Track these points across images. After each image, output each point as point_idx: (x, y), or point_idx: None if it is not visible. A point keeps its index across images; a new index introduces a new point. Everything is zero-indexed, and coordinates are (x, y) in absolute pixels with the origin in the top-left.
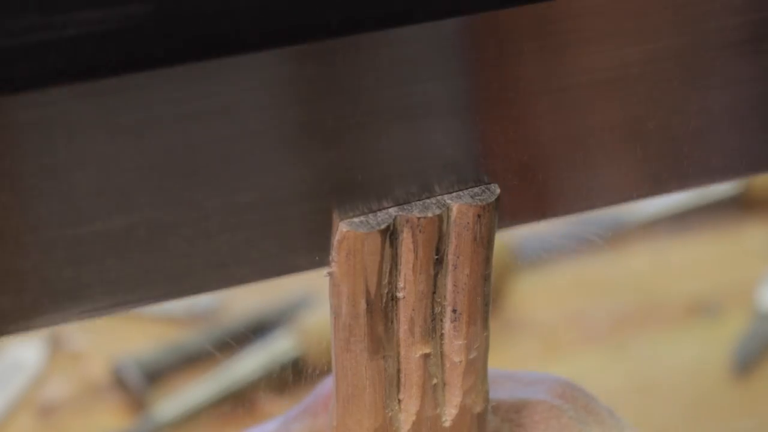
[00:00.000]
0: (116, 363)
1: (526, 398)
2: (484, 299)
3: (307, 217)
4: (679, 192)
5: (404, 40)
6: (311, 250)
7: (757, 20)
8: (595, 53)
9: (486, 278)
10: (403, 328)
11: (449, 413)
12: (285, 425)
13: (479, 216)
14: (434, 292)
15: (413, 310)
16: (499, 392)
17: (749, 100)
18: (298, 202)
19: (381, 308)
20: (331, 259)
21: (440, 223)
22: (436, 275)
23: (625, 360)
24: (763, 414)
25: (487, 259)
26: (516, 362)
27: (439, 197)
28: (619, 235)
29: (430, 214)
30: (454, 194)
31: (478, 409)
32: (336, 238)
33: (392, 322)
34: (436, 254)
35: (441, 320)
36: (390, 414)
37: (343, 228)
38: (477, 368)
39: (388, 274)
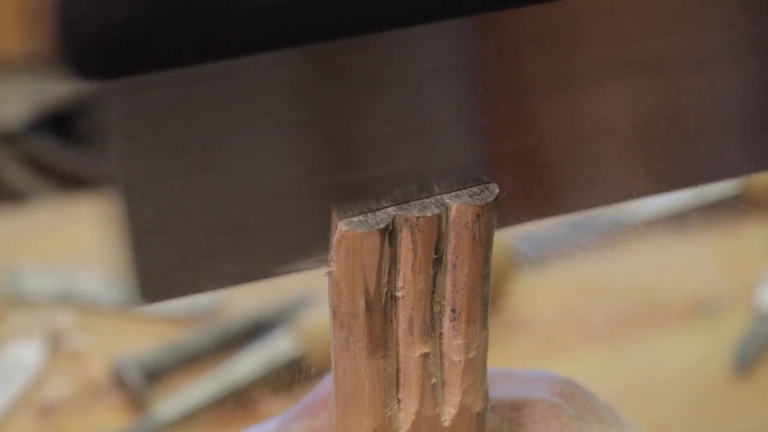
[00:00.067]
0: (116, 363)
1: (526, 397)
2: (483, 299)
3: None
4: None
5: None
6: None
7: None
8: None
9: (485, 278)
10: (402, 327)
11: (448, 413)
12: (284, 425)
13: (478, 215)
14: (433, 292)
15: (412, 309)
16: (498, 391)
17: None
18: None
19: (380, 308)
20: (330, 258)
21: (439, 222)
22: (435, 275)
23: (625, 360)
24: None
25: (486, 259)
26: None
27: (437, 197)
28: (619, 235)
29: (429, 214)
30: (453, 194)
31: (477, 408)
32: (335, 237)
33: (391, 321)
34: (435, 254)
35: (440, 320)
36: (389, 413)
37: (342, 227)
38: (476, 368)
39: (387, 273)
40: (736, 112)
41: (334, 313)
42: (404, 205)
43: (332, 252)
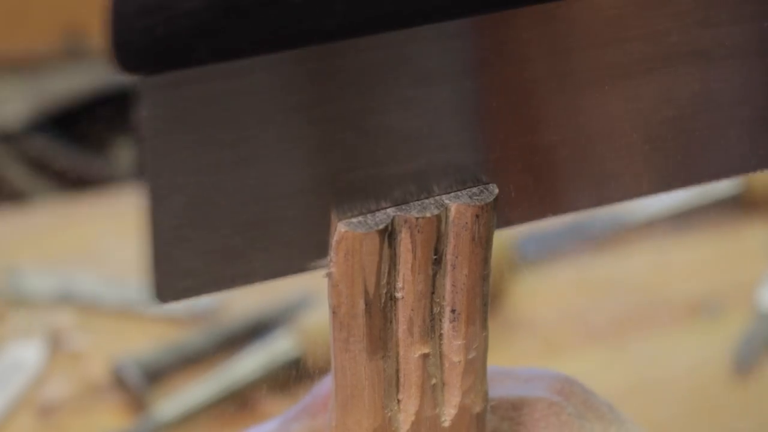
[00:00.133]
0: (116, 363)
1: (525, 396)
2: (483, 299)
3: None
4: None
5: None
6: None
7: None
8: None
9: (484, 278)
10: (401, 328)
11: (448, 413)
12: (284, 425)
13: (477, 216)
14: (433, 293)
15: (412, 310)
16: (498, 390)
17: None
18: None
19: (380, 308)
20: (329, 259)
21: (438, 223)
22: (434, 275)
23: (626, 360)
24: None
25: (486, 259)
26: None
27: (437, 197)
28: (619, 235)
29: (428, 215)
30: (453, 194)
31: (477, 408)
32: (334, 238)
33: (391, 322)
34: (435, 254)
35: (440, 320)
36: (389, 414)
37: (341, 228)
38: (476, 368)
39: (386, 274)
40: (738, 109)
41: (334, 313)
42: (403, 206)
43: (332, 253)
